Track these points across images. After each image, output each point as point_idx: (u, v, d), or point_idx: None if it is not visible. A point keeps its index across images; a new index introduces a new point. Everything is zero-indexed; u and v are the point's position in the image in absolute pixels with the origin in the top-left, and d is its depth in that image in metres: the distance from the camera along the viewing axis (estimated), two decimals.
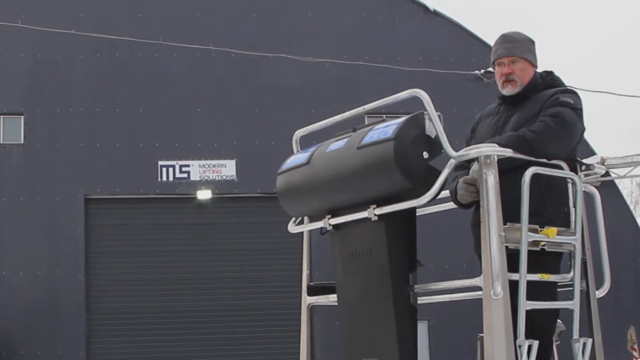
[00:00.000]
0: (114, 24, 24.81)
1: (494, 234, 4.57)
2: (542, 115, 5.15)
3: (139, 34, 24.49)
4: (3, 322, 23.23)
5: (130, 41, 24.44)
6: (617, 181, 24.78)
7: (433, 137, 4.77)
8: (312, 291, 5.81)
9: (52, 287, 23.74)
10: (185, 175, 24.85)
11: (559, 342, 7.43)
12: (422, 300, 5.22)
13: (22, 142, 24.64)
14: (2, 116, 24.78)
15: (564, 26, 71.97)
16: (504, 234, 4.63)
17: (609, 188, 23.53)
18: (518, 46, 5.46)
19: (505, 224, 4.68)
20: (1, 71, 24.66)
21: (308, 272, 5.89)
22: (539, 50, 5.57)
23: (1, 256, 23.82)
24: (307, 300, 5.82)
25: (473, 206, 5.07)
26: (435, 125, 4.72)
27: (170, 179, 24.79)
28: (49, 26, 23.85)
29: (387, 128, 4.80)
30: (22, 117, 24.69)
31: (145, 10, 25.35)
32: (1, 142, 24.70)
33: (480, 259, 4.72)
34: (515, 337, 4.59)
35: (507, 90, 5.43)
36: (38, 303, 23.57)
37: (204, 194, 24.82)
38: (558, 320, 5.36)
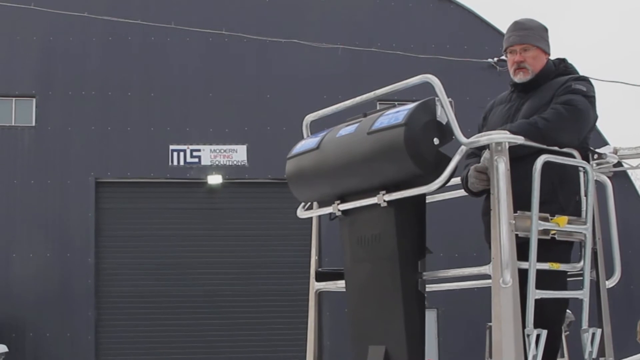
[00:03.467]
0: (126, 7, 24.80)
1: (504, 222, 4.54)
2: (554, 102, 5.12)
3: (152, 18, 24.48)
4: (13, 304, 23.32)
5: (142, 25, 24.43)
6: (629, 172, 24.68)
7: (444, 123, 4.74)
8: (321, 277, 5.80)
9: (62, 270, 23.81)
10: (196, 160, 24.86)
11: (568, 333, 7.41)
12: (431, 288, 5.20)
13: (33, 124, 24.68)
14: (14, 98, 24.82)
15: (574, 15, 71.66)
16: (514, 222, 4.60)
17: (621, 178, 23.46)
18: (530, 34, 5.41)
19: (515, 212, 4.65)
20: (14, 54, 24.69)
21: (317, 257, 5.88)
22: (551, 39, 5.53)
23: (12, 239, 23.90)
24: (315, 286, 5.80)
25: (484, 194, 5.05)
26: (446, 112, 4.68)
27: (181, 163, 24.82)
28: (62, 9, 23.84)
29: (398, 114, 4.77)
30: (34, 99, 24.73)
31: None
32: (13, 124, 24.75)
33: (490, 247, 4.69)
34: (524, 326, 4.57)
35: (519, 78, 5.39)
36: (48, 286, 23.65)
37: (215, 179, 24.84)
38: (567, 311, 5.33)
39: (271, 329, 24.29)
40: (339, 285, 5.57)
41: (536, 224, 4.69)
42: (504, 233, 4.53)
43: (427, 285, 5.07)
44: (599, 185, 5.33)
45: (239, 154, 25.02)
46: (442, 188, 4.73)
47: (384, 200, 4.84)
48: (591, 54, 66.45)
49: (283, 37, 24.66)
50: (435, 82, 4.65)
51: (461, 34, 25.99)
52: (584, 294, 4.92)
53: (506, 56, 5.51)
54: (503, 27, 25.64)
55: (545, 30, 5.49)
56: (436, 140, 4.72)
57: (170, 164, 24.79)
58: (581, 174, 5.08)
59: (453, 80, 20.94)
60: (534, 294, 4.63)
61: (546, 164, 4.76)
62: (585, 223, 5.00)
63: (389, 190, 4.82)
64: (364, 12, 25.81)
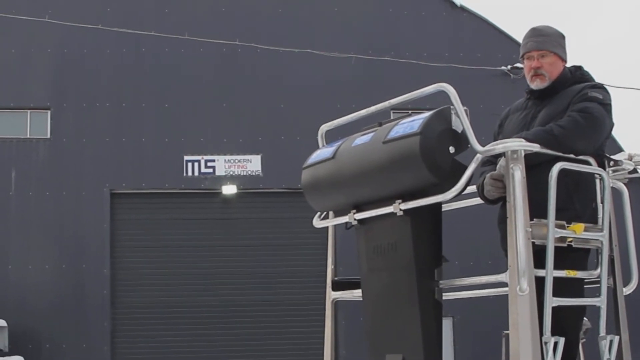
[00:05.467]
0: (140, 19, 24.88)
1: (520, 230, 4.54)
2: (570, 110, 5.11)
3: (165, 29, 24.56)
4: (29, 315, 23.37)
5: (156, 36, 24.50)
6: None
7: (459, 131, 4.74)
8: (337, 286, 5.80)
9: (77, 281, 23.86)
10: (211, 170, 24.89)
11: (584, 340, 7.39)
12: (446, 296, 5.20)
13: (48, 136, 24.75)
14: (29, 111, 24.91)
15: (579, 20, 71.51)
16: (530, 229, 4.60)
17: (636, 185, 23.34)
18: (548, 40, 5.41)
19: (532, 219, 4.64)
20: (28, 66, 24.78)
21: (333, 267, 5.88)
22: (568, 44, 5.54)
23: (27, 250, 23.96)
24: (331, 295, 5.81)
25: (500, 202, 5.04)
26: (461, 120, 4.69)
27: (196, 174, 24.85)
28: (76, 21, 23.95)
29: (413, 122, 4.77)
30: (49, 111, 24.81)
31: (172, 5, 25.42)
32: (28, 136, 24.83)
33: (506, 255, 4.68)
34: (541, 334, 4.56)
35: (536, 84, 5.39)
36: (63, 297, 23.70)
37: (229, 189, 24.85)
38: (584, 318, 5.32)
39: (286, 338, 24.27)
40: (355, 294, 5.57)
41: (553, 232, 4.69)
42: (520, 241, 4.53)
43: (443, 294, 5.07)
44: (615, 192, 5.32)
45: (253, 164, 25.04)
46: (458, 196, 4.74)
47: (400, 209, 4.84)
48: (601, 57, 66.23)
49: (296, 47, 24.69)
50: (451, 91, 4.65)
51: (474, 42, 25.96)
52: (601, 301, 4.92)
53: (523, 62, 5.51)
54: (516, 34, 25.69)
55: (563, 37, 5.49)
56: (452, 149, 4.73)
57: (184, 174, 24.82)
58: (597, 181, 5.08)
59: (466, 89, 20.87)
60: (551, 301, 4.63)
61: (562, 172, 4.76)
62: (601, 230, 5.00)
63: (405, 199, 4.83)
64: (377, 21, 25.82)
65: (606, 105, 5.16)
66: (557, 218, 4.71)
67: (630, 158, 5.58)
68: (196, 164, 24.87)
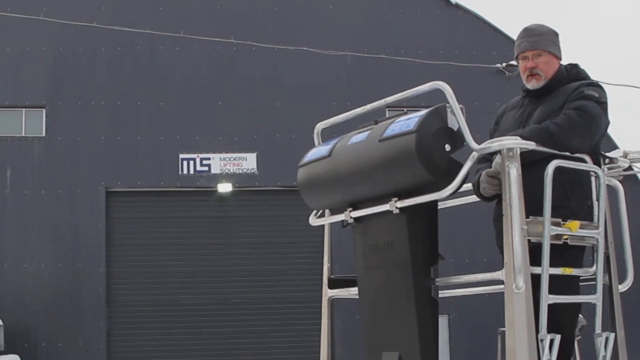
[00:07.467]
0: (135, 17, 24.85)
1: (516, 227, 4.55)
2: (566, 108, 5.12)
3: (161, 27, 24.53)
4: (25, 314, 23.35)
5: (151, 34, 24.48)
6: (639, 175, 24.60)
7: (455, 129, 4.74)
8: (333, 284, 5.81)
9: (73, 279, 23.83)
10: (206, 168, 24.88)
11: (580, 337, 7.40)
12: (442, 294, 5.21)
13: (43, 135, 24.72)
14: (24, 109, 24.88)
15: (577, 18, 71.59)
16: (526, 227, 4.60)
17: (631, 182, 23.41)
18: (542, 39, 5.41)
19: (527, 217, 4.65)
20: (23, 64, 24.74)
21: (329, 265, 5.89)
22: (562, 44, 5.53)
23: (23, 249, 23.94)
24: (328, 293, 5.82)
25: (495, 199, 5.06)
26: (457, 118, 4.69)
27: (191, 172, 24.83)
28: (71, 19, 23.91)
29: (409, 121, 4.78)
30: (44, 110, 24.77)
31: (167, 3, 25.39)
32: (23, 135, 24.79)
33: (502, 252, 4.69)
34: (537, 332, 4.57)
35: (532, 84, 5.39)
36: (59, 295, 23.67)
37: (225, 187, 24.84)
38: (579, 315, 5.33)
39: (283, 336, 24.27)
40: (352, 292, 5.58)
41: (548, 229, 4.70)
42: (516, 238, 4.54)
43: (439, 291, 5.08)
44: (611, 190, 5.33)
45: (248, 162, 25.03)
46: (454, 194, 4.74)
47: (396, 207, 4.84)
48: (597, 54, 66.32)
49: (291, 45, 24.68)
50: (446, 89, 4.66)
51: (469, 39, 25.97)
52: (596, 299, 4.93)
53: (518, 63, 5.50)
54: (511, 32, 25.70)
55: (556, 35, 5.48)
56: (448, 147, 4.73)
57: (180, 172, 24.80)
58: (593, 179, 5.09)
59: (462, 86, 20.89)
60: (547, 299, 4.64)
61: (558, 169, 4.77)
62: (597, 227, 5.01)
63: (401, 197, 4.83)
64: (372, 19, 25.81)
65: (602, 103, 5.17)
66: (552, 216, 4.72)
67: (625, 155, 5.60)
68: (191, 162, 24.86)
